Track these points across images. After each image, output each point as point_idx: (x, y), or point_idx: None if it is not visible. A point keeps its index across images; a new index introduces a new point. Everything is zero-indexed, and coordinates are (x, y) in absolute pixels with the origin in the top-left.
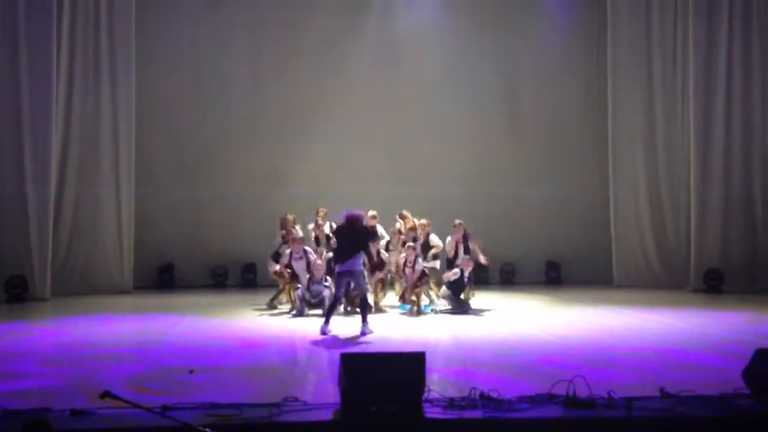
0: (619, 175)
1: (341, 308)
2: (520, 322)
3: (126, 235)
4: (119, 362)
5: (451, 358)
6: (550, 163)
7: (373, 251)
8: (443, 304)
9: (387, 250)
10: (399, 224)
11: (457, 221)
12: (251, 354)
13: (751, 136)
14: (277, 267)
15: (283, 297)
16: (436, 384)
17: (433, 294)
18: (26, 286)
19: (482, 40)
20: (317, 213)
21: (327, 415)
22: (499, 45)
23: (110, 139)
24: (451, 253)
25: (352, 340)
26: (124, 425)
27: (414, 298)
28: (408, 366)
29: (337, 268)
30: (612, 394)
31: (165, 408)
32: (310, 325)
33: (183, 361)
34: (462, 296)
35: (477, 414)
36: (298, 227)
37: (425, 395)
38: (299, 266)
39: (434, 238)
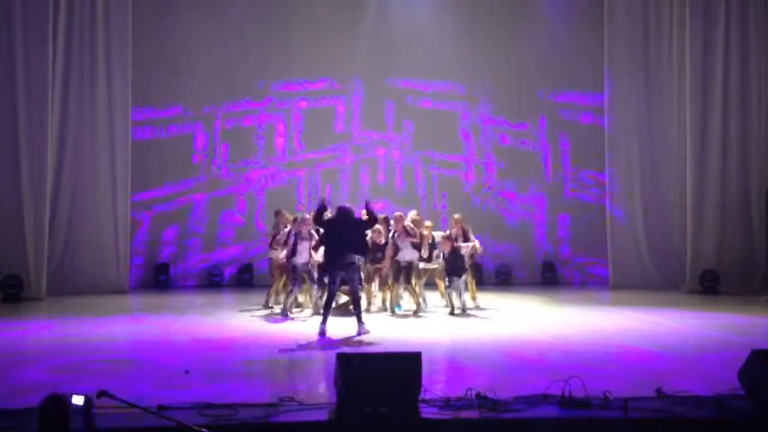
0: (614, 175)
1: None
2: (516, 323)
3: (122, 235)
4: (113, 362)
5: (447, 358)
6: (547, 163)
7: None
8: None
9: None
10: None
11: (456, 215)
12: (247, 354)
13: (748, 136)
14: (283, 254)
15: (273, 296)
16: (432, 384)
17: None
18: (22, 286)
19: (480, 40)
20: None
21: (323, 416)
22: (496, 45)
23: (107, 138)
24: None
25: (348, 340)
26: (120, 425)
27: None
28: (404, 366)
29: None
30: (608, 394)
31: (161, 408)
32: (305, 325)
33: (179, 362)
34: (467, 295)
35: (473, 414)
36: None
37: (421, 395)
38: (303, 247)
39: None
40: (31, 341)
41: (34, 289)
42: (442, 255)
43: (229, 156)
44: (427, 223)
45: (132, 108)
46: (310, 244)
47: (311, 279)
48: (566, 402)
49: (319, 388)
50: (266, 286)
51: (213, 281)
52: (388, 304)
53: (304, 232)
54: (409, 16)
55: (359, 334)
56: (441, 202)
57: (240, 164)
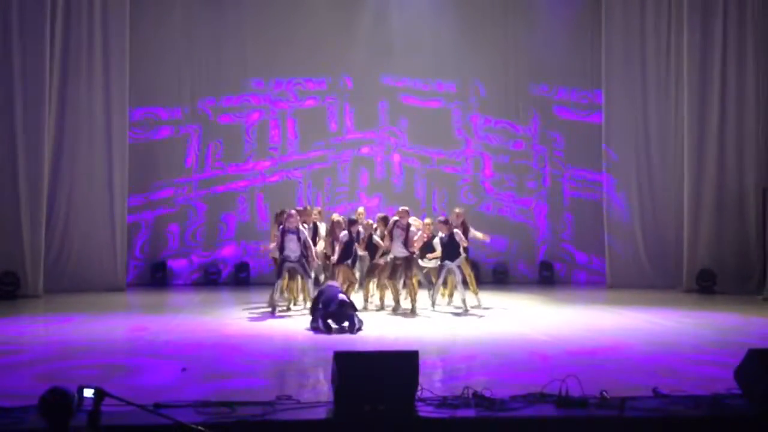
0: (611, 175)
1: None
2: (513, 322)
3: (119, 232)
4: (110, 359)
5: (444, 357)
6: (544, 161)
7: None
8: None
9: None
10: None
11: (457, 209)
12: (244, 352)
13: (745, 135)
14: (272, 246)
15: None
16: (429, 383)
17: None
18: (18, 283)
19: (477, 38)
20: (304, 209)
21: (320, 414)
22: (493, 43)
23: (104, 136)
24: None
25: (345, 338)
26: (117, 423)
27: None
28: (401, 365)
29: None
30: (604, 393)
31: (157, 406)
32: (302, 323)
33: (176, 360)
34: (470, 292)
35: (470, 413)
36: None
37: (418, 394)
38: (291, 240)
39: (437, 241)
40: (28, 338)
41: (31, 287)
42: (439, 239)
43: (225, 155)
44: (427, 220)
45: (128, 107)
46: (299, 238)
47: (305, 274)
48: (563, 401)
49: (316, 387)
50: (263, 285)
51: (210, 279)
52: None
53: (291, 226)
54: (405, 15)
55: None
56: (439, 200)
57: (236, 163)
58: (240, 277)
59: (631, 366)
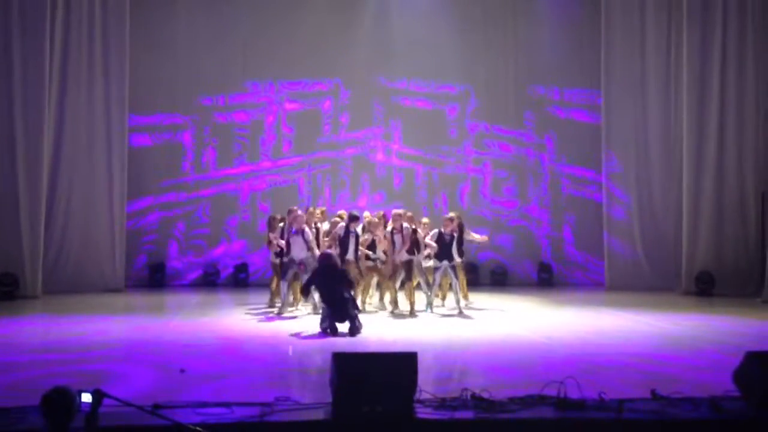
0: (611, 176)
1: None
2: (512, 324)
3: (118, 234)
4: (108, 360)
5: (443, 359)
6: (543, 162)
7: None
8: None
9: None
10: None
11: (453, 213)
12: (243, 353)
13: (744, 138)
14: (272, 235)
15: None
16: (428, 384)
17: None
18: (17, 284)
19: (477, 40)
20: (312, 211)
21: (319, 415)
22: (493, 44)
23: (103, 138)
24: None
25: (343, 340)
26: (115, 424)
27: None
28: (400, 366)
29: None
30: (603, 395)
31: (156, 406)
32: (301, 324)
33: (174, 360)
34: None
35: (468, 415)
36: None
37: (417, 395)
38: (295, 242)
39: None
40: (26, 339)
41: (30, 288)
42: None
43: (225, 157)
44: (424, 219)
45: (128, 108)
46: (304, 240)
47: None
48: (561, 403)
49: (314, 388)
50: (262, 286)
51: (208, 280)
52: (387, 302)
53: (295, 227)
54: (405, 17)
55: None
56: (438, 202)
57: (235, 165)
58: (239, 278)
59: (629, 368)
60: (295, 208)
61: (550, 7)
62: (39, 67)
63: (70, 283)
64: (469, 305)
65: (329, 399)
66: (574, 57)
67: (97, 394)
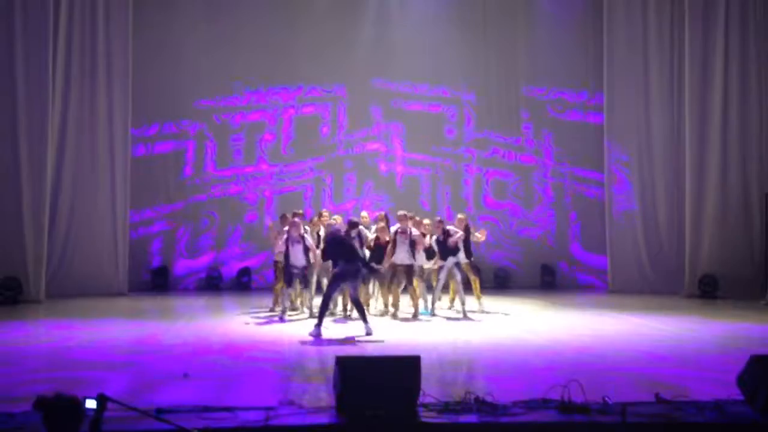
0: (613, 178)
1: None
2: (515, 327)
3: (121, 237)
4: (113, 365)
5: (446, 362)
6: (545, 165)
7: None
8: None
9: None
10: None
11: (460, 215)
12: (245, 357)
13: (747, 139)
14: (270, 222)
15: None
16: (431, 388)
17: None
18: (20, 288)
19: (478, 42)
20: (320, 216)
21: (322, 419)
22: (494, 45)
23: (106, 142)
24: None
25: (347, 343)
26: (119, 428)
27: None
28: (403, 370)
29: (333, 269)
30: (606, 399)
31: (160, 411)
32: (305, 329)
33: (177, 365)
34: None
35: (472, 418)
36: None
37: (420, 399)
38: (296, 249)
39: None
40: (29, 344)
41: (33, 292)
42: (435, 239)
43: (227, 162)
44: (426, 221)
45: (131, 110)
46: (303, 246)
47: (304, 282)
48: (565, 406)
49: (318, 392)
50: (265, 290)
51: (211, 284)
52: (390, 306)
53: (295, 234)
54: (405, 21)
55: (368, 333)
56: (441, 204)
57: (237, 170)
58: (242, 282)
59: (633, 371)
60: (288, 215)
61: (551, 8)
62: (42, 75)
63: (73, 287)
64: (482, 308)
65: (333, 403)
66: (575, 58)
67: (102, 399)
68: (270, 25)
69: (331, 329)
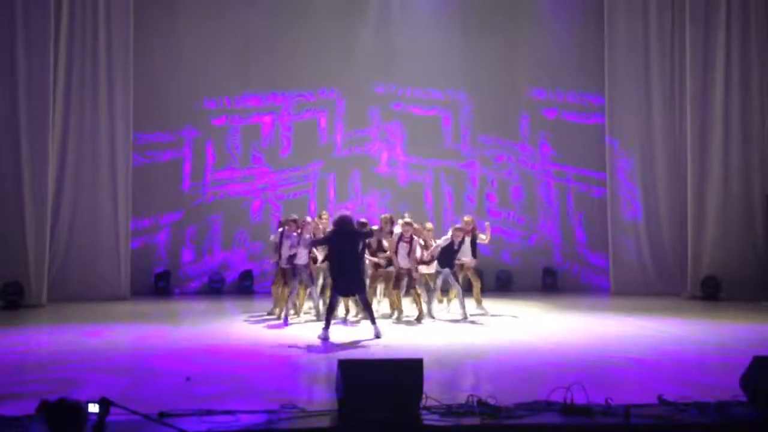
0: (615, 180)
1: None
2: (517, 329)
3: (123, 242)
4: (114, 368)
5: (449, 365)
6: (546, 167)
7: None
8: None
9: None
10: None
11: (467, 217)
12: (248, 360)
13: (750, 140)
14: (270, 236)
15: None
16: (434, 391)
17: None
18: (22, 293)
19: (479, 45)
20: (320, 217)
21: (324, 422)
22: (495, 48)
23: (108, 146)
24: (457, 243)
25: (349, 346)
26: None
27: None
28: (406, 373)
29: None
30: (609, 401)
31: (162, 415)
32: (307, 331)
33: (180, 368)
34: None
35: (474, 421)
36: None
37: (423, 402)
38: (300, 250)
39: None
40: (32, 348)
41: (35, 296)
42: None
43: (228, 165)
44: (428, 225)
45: (132, 112)
46: (308, 247)
47: (309, 281)
48: (568, 409)
49: (320, 395)
50: (267, 293)
51: (213, 288)
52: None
53: (307, 236)
54: (406, 25)
55: (377, 336)
56: (444, 206)
57: (238, 173)
58: (243, 286)
59: (635, 373)
60: (290, 220)
61: (551, 11)
62: (43, 81)
63: (75, 292)
64: (481, 312)
65: (335, 406)
66: (576, 60)
67: (104, 404)
68: (271, 29)
69: (338, 333)
